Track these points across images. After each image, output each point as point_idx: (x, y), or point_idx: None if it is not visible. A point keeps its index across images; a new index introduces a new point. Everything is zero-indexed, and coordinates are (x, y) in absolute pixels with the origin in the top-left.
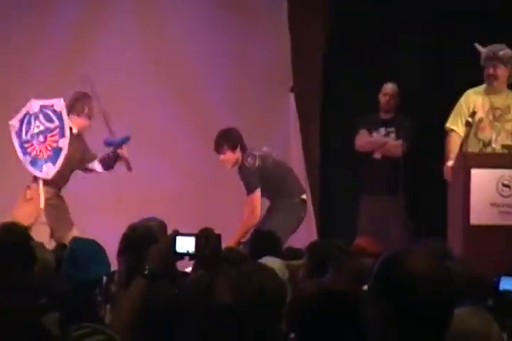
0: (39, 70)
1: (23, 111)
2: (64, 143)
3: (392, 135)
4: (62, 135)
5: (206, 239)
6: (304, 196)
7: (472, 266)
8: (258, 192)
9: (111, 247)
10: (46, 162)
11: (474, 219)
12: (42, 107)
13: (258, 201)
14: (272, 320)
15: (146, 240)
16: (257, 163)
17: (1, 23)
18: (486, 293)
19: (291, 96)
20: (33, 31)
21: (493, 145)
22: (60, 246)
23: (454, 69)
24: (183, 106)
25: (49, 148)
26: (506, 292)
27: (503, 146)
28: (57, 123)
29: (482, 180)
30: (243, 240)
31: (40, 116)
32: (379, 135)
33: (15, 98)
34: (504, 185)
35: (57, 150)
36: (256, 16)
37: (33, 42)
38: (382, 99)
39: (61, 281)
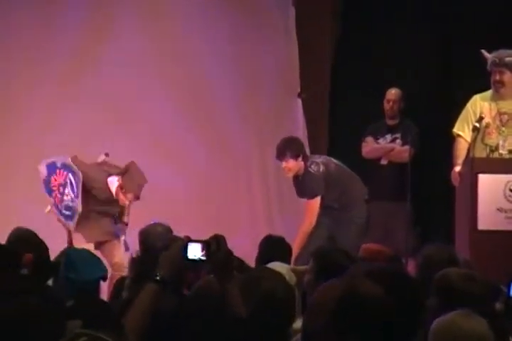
0: (46, 73)
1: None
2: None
3: (398, 141)
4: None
5: (217, 244)
6: (366, 196)
7: (478, 270)
8: (318, 200)
9: None
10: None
11: (481, 225)
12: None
13: (317, 208)
14: (281, 323)
15: (155, 246)
16: (321, 169)
17: (5, 23)
18: (493, 297)
19: (299, 102)
20: (38, 31)
21: (500, 150)
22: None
23: (461, 74)
24: (191, 111)
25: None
26: None
27: (510, 151)
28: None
29: (489, 185)
30: None
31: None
32: (385, 141)
33: (20, 98)
34: (511, 190)
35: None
36: (264, 23)
37: (39, 42)
38: (386, 105)
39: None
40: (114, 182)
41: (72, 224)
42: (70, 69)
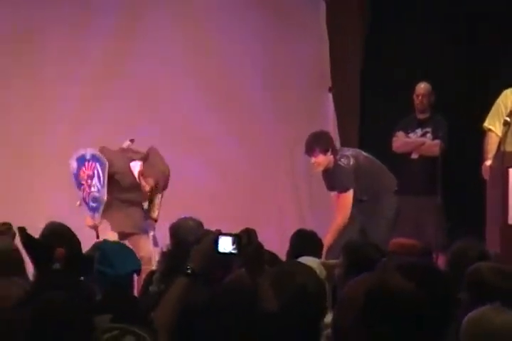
0: (79, 72)
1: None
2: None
3: (429, 135)
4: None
5: (248, 237)
6: (396, 187)
7: (509, 264)
8: (351, 193)
9: None
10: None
11: None
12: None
13: (350, 202)
14: (312, 318)
15: (187, 240)
16: (351, 162)
17: (40, 21)
18: None
19: (330, 96)
20: (70, 36)
21: None
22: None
23: (493, 68)
24: (223, 107)
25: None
26: None
27: None
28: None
29: None
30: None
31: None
32: (416, 135)
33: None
34: None
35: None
36: (295, 19)
37: (71, 47)
38: (416, 99)
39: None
40: (136, 167)
41: (98, 216)
42: (103, 68)
